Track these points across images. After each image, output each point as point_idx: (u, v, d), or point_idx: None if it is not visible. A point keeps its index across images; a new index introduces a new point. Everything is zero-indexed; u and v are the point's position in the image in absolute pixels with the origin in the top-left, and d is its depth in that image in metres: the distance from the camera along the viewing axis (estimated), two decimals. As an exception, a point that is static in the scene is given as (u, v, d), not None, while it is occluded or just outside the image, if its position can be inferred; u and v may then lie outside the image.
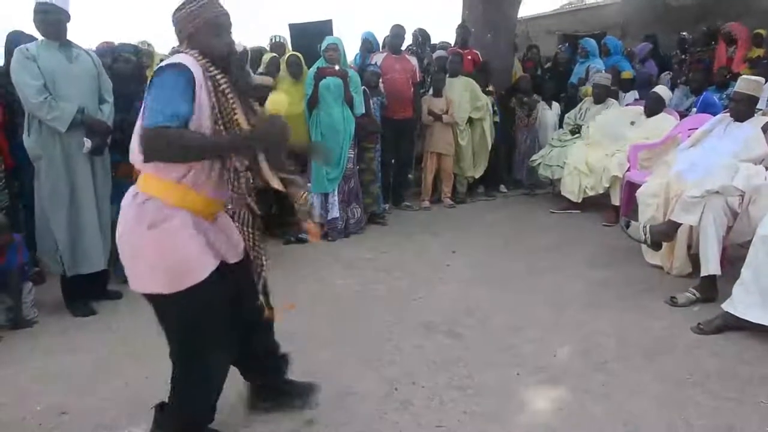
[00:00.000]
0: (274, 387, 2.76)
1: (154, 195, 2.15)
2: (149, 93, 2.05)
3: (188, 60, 2.11)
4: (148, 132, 1.96)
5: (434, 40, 8.34)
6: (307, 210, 2.35)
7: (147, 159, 2.03)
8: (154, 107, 1.99)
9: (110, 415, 2.79)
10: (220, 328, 2.30)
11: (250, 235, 2.37)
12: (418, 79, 6.55)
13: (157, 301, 2.23)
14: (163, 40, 5.07)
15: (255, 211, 2.35)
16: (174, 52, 2.21)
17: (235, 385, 2.91)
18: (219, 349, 2.33)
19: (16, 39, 4.21)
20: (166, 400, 2.45)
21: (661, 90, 6.15)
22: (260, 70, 5.87)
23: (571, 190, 6.16)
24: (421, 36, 8.01)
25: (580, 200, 6.16)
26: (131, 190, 2.22)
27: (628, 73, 7.44)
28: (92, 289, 4.20)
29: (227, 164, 2.18)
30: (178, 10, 2.20)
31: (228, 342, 2.38)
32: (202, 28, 2.17)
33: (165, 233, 2.12)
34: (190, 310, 2.21)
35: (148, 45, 4.87)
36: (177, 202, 2.15)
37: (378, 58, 6.37)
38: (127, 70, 4.32)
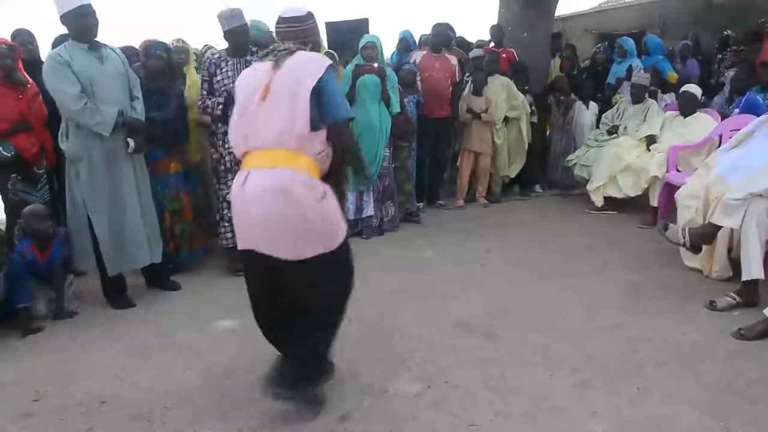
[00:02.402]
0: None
1: (310, 173, 2.49)
2: (328, 88, 2.47)
3: None
4: (346, 122, 2.58)
5: (471, 39, 8.30)
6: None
7: (341, 145, 2.57)
8: (341, 101, 2.54)
9: (147, 405, 2.84)
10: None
11: None
12: (457, 79, 6.52)
13: (319, 262, 2.54)
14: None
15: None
16: (293, 50, 2.56)
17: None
18: None
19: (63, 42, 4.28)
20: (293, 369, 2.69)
21: (692, 88, 6.03)
22: None
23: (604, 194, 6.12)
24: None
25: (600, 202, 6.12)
26: (279, 171, 2.46)
27: (673, 75, 7.30)
28: (154, 281, 4.36)
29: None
30: (306, 20, 2.66)
31: None
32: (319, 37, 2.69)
33: (329, 203, 2.54)
34: (345, 261, 2.70)
35: (183, 42, 4.92)
36: (318, 176, 2.53)
37: (417, 56, 6.36)
38: (160, 67, 4.38)
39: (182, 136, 4.62)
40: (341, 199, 2.77)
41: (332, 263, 2.60)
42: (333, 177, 2.67)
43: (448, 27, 7.50)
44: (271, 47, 2.67)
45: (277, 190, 2.44)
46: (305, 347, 2.70)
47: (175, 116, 4.48)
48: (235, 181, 2.60)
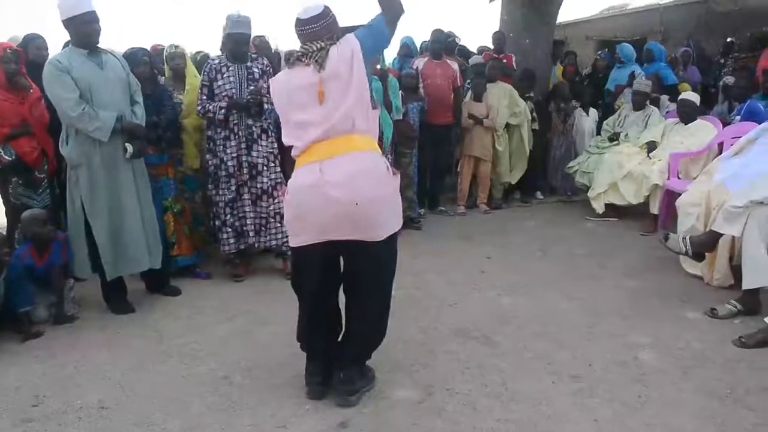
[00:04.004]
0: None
1: (377, 151, 2.72)
2: (363, 44, 2.62)
3: None
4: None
5: (472, 45, 8.31)
6: None
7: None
8: (374, 23, 2.72)
9: (147, 411, 2.84)
10: None
11: None
12: (459, 84, 6.53)
13: (390, 240, 2.75)
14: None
15: None
16: (327, 48, 2.65)
17: (266, 386, 2.95)
18: None
19: None
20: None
21: (691, 95, 6.05)
22: None
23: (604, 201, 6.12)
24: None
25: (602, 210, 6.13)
26: (360, 154, 2.63)
27: (685, 86, 7.28)
28: (154, 285, 4.36)
29: None
30: (326, 16, 2.70)
31: None
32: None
33: (396, 177, 2.76)
34: (397, 241, 2.85)
35: (178, 47, 4.91)
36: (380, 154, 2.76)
37: (419, 63, 6.36)
38: (148, 73, 4.39)
39: (178, 139, 4.63)
40: None
41: (395, 242, 2.82)
42: None
43: (450, 34, 7.55)
44: (300, 50, 2.72)
45: (366, 171, 2.60)
46: (374, 335, 2.91)
47: (174, 118, 4.51)
48: (298, 177, 2.69)
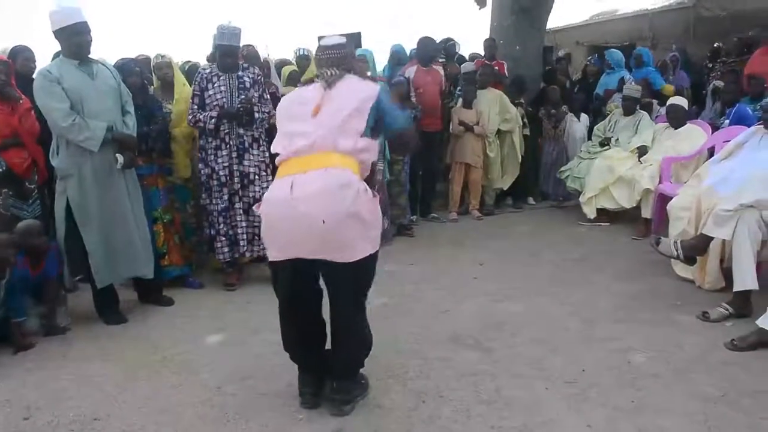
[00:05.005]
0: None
1: (352, 171, 2.63)
2: (386, 105, 2.79)
3: None
4: (409, 127, 3.08)
5: (464, 52, 8.34)
6: None
7: (409, 146, 3.21)
8: (399, 113, 2.98)
9: (140, 422, 2.82)
10: None
11: None
12: (443, 88, 6.55)
13: (365, 262, 2.67)
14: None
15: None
16: (339, 76, 2.79)
17: (260, 396, 2.94)
18: None
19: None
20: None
21: (679, 100, 6.09)
22: (281, 83, 5.95)
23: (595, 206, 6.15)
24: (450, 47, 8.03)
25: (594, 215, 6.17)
26: (334, 170, 2.59)
27: (668, 88, 7.34)
28: (146, 295, 4.34)
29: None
30: (346, 46, 2.88)
31: None
32: None
33: (377, 202, 2.70)
34: (375, 261, 2.79)
35: (162, 57, 4.91)
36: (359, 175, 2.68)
37: (410, 72, 6.37)
38: (139, 83, 4.39)
39: (168, 149, 4.62)
40: None
41: (370, 262, 2.74)
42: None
43: (450, 40, 7.61)
44: (317, 73, 2.90)
45: (337, 189, 2.54)
46: (355, 350, 2.87)
47: (164, 129, 4.52)
48: (273, 190, 2.71)
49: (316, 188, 2.54)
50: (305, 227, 2.55)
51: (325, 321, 2.91)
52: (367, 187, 2.67)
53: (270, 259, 2.80)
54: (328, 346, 2.93)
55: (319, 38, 6.94)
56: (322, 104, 2.71)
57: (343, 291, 2.73)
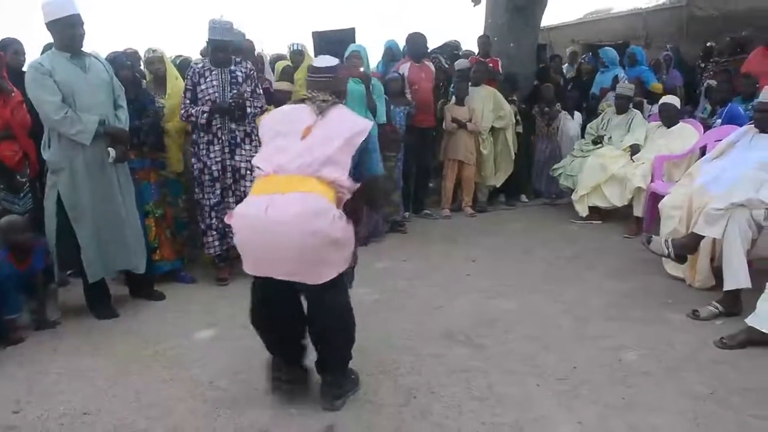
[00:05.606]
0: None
1: (329, 199, 2.61)
2: (372, 146, 2.81)
3: None
4: (378, 177, 3.01)
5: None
6: None
7: (373, 194, 3.04)
8: (378, 159, 2.92)
9: (131, 416, 2.82)
10: None
11: None
12: (433, 83, 6.56)
13: (337, 279, 2.67)
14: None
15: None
16: (332, 103, 2.81)
17: (251, 390, 2.94)
18: None
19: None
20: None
21: (672, 99, 6.12)
22: (274, 77, 5.94)
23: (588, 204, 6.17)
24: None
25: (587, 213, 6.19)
26: (311, 195, 2.58)
27: (657, 86, 7.36)
28: (137, 290, 4.33)
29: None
30: (338, 70, 2.91)
31: None
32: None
33: (350, 227, 2.67)
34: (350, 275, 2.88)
35: (154, 51, 4.89)
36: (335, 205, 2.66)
37: (404, 68, 6.35)
38: (130, 76, 4.37)
39: (160, 143, 4.61)
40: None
41: (342, 282, 2.77)
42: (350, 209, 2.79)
43: (454, 44, 7.63)
44: (307, 94, 2.89)
45: (311, 214, 2.52)
46: (336, 347, 2.85)
47: (156, 123, 4.50)
48: (247, 206, 2.68)
49: (292, 213, 2.51)
50: (277, 250, 2.56)
51: (302, 311, 2.88)
52: (342, 213, 2.65)
53: (245, 269, 2.77)
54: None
55: (314, 35, 7.00)
56: (313, 128, 2.71)
57: (321, 296, 2.72)
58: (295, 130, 2.72)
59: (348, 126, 2.73)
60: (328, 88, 2.84)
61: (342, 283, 2.77)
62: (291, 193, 2.56)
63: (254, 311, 2.86)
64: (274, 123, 2.86)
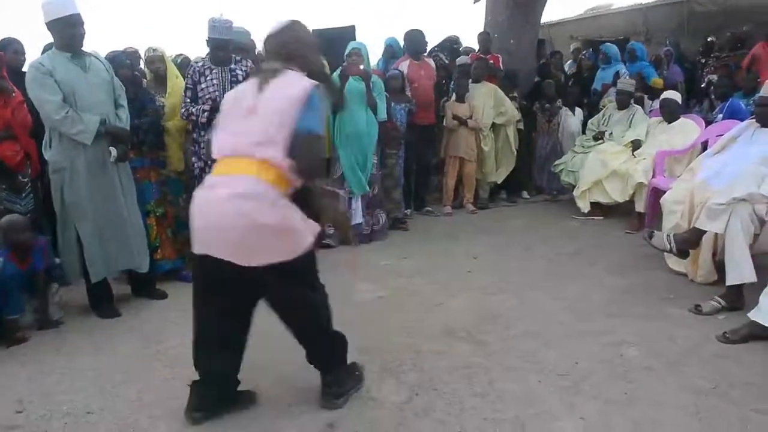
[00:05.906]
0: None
1: (276, 185, 2.47)
2: (312, 104, 2.48)
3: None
4: (317, 137, 2.54)
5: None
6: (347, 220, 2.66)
7: (307, 156, 2.51)
8: (318, 118, 2.53)
9: (134, 415, 2.82)
10: None
11: None
12: (434, 81, 6.55)
13: (288, 270, 2.51)
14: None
15: None
16: (278, 70, 2.56)
17: (252, 388, 2.94)
18: None
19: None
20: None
21: (673, 94, 6.11)
22: None
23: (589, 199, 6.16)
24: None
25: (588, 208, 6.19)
26: (246, 178, 2.46)
27: (658, 81, 7.35)
28: (139, 289, 4.33)
29: None
30: (283, 32, 2.64)
31: None
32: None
33: (290, 212, 2.50)
34: (312, 259, 2.68)
35: (154, 51, 4.88)
36: (285, 190, 2.51)
37: (404, 66, 6.35)
38: (130, 75, 4.37)
39: (160, 142, 4.62)
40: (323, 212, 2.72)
41: (301, 266, 2.59)
42: (305, 193, 2.62)
43: (454, 39, 7.61)
44: (260, 66, 2.69)
45: (249, 196, 2.42)
46: (317, 346, 2.82)
47: (156, 121, 4.51)
48: (200, 188, 2.60)
49: (230, 192, 2.44)
50: (217, 230, 2.49)
51: (249, 323, 2.78)
52: (278, 197, 2.47)
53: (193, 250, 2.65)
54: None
55: (314, 33, 7.00)
56: (255, 105, 2.52)
57: (278, 290, 2.64)
58: (239, 109, 2.56)
59: (285, 94, 2.49)
60: (279, 55, 2.61)
61: (301, 276, 2.63)
62: (232, 175, 2.50)
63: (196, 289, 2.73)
64: (225, 104, 2.70)
